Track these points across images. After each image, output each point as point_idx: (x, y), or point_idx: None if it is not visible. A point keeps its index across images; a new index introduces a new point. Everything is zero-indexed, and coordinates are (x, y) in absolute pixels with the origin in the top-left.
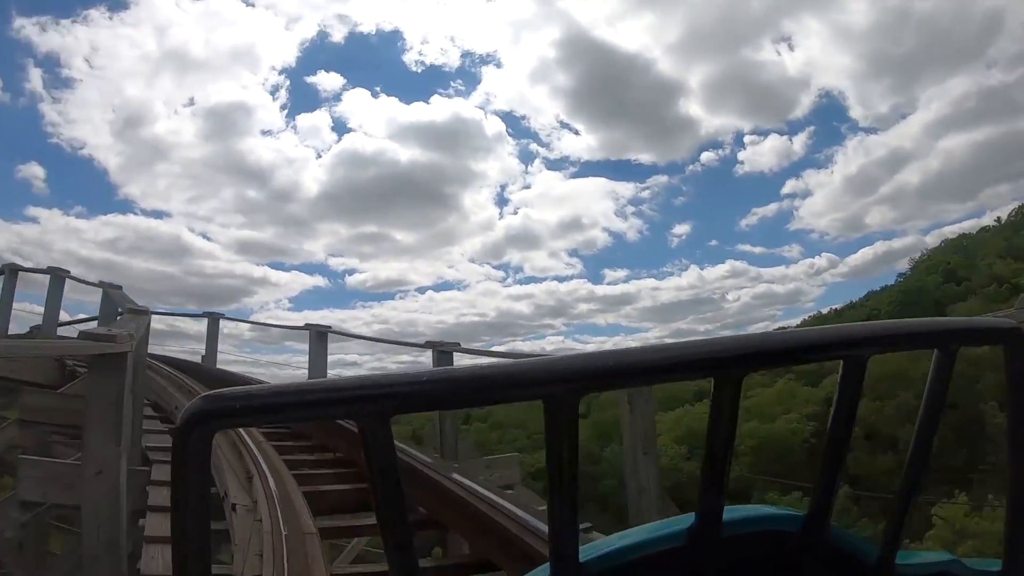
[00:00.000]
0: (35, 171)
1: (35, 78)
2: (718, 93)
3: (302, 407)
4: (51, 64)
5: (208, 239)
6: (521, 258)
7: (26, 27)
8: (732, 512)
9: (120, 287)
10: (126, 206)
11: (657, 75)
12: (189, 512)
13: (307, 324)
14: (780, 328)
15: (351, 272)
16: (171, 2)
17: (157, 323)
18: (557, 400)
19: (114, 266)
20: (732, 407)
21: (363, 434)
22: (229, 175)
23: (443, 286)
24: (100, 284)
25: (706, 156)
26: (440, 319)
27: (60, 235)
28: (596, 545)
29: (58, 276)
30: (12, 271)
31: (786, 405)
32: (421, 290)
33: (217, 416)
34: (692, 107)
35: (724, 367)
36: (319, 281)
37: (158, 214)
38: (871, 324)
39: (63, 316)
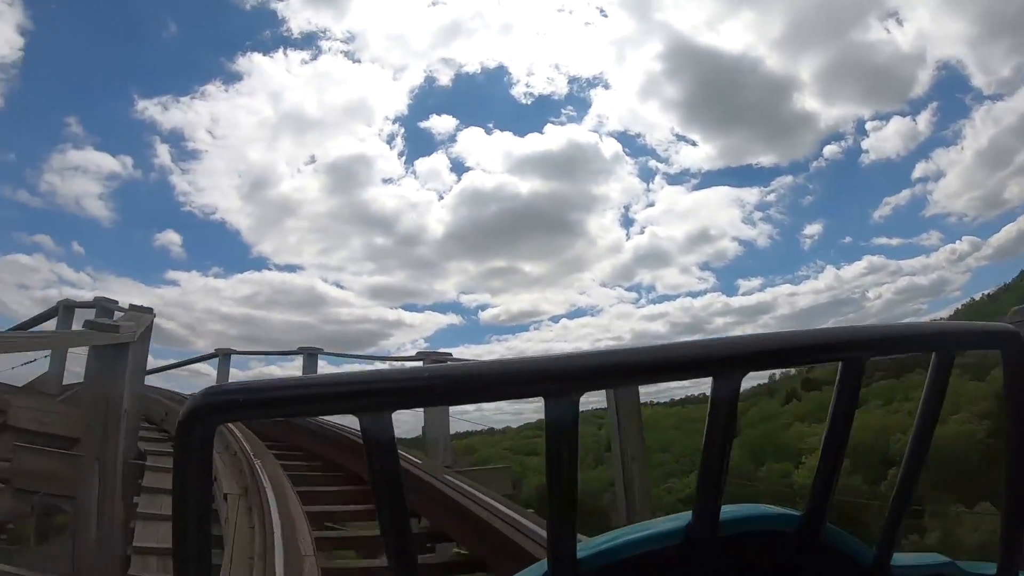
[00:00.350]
0: (172, 238)
1: (163, 153)
2: (832, 82)
3: (304, 401)
4: (176, 139)
5: (341, 287)
6: (652, 277)
7: (149, 108)
8: (729, 511)
9: (151, 309)
10: (260, 263)
11: (766, 73)
12: (191, 503)
13: (300, 348)
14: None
15: (483, 307)
16: (282, 69)
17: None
18: (557, 398)
19: (253, 320)
20: (730, 407)
21: (364, 429)
22: (356, 225)
23: (576, 313)
24: (131, 307)
25: (829, 150)
26: (576, 346)
27: (200, 295)
28: (593, 543)
29: (104, 308)
30: (67, 308)
31: (952, 403)
32: (555, 319)
33: (220, 410)
34: (807, 101)
35: (723, 367)
36: (453, 319)
37: (291, 268)
38: (869, 326)
39: None
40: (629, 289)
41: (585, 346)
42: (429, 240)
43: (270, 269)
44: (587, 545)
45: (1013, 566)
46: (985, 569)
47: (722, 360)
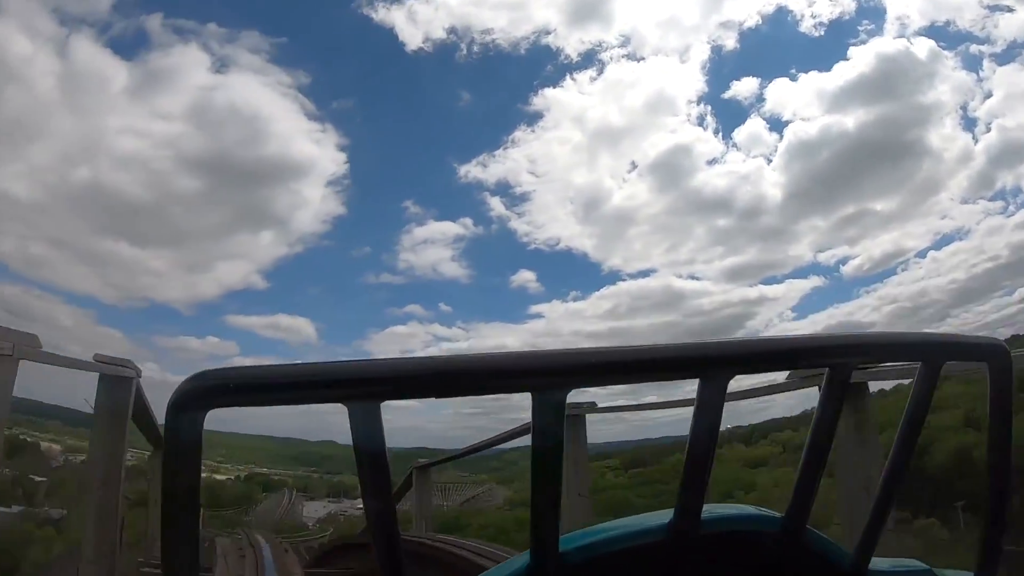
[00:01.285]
0: (526, 276)
1: (496, 205)
2: None
3: (295, 388)
4: (503, 188)
5: (696, 279)
6: (1015, 177)
7: (470, 170)
8: (712, 510)
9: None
10: (613, 277)
11: None
12: (180, 486)
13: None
14: None
15: (844, 261)
16: (575, 93)
17: None
18: (544, 393)
19: (619, 332)
20: (715, 408)
21: (353, 419)
22: (694, 214)
23: (942, 241)
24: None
25: None
26: (951, 279)
27: (565, 320)
28: (576, 536)
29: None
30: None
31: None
32: (921, 254)
33: (211, 394)
34: None
35: (709, 368)
36: (815, 282)
37: (644, 273)
38: (858, 334)
39: None
40: (993, 199)
41: (961, 276)
42: (770, 207)
43: (624, 280)
44: (570, 538)
45: (990, 573)
46: None
47: (708, 361)
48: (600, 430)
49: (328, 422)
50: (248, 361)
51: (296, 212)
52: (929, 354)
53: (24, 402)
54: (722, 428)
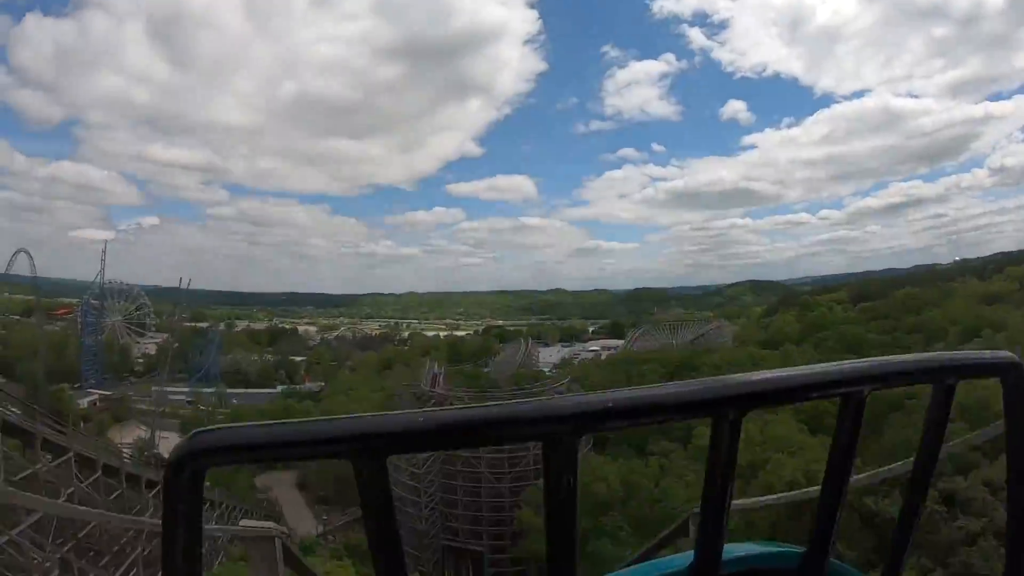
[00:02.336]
0: (736, 107)
1: (696, 36)
2: None
3: (297, 446)
4: (700, 19)
5: (914, 96)
6: None
7: (664, 3)
8: (732, 549)
9: None
10: (826, 100)
11: None
12: (179, 551)
13: None
14: None
15: None
16: None
17: None
18: (555, 441)
19: (836, 157)
20: (731, 447)
21: (358, 475)
22: (907, 24)
23: None
24: None
25: None
26: None
27: (779, 149)
28: None
29: None
30: None
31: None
32: None
33: (210, 453)
34: None
35: (721, 407)
36: None
37: (858, 94)
38: (868, 361)
39: None
40: None
41: None
42: (989, 12)
43: (837, 103)
44: None
45: None
46: None
47: (720, 401)
48: (821, 262)
49: (555, 271)
50: (475, 224)
51: (497, 76)
52: (941, 375)
53: (283, 296)
54: (953, 258)
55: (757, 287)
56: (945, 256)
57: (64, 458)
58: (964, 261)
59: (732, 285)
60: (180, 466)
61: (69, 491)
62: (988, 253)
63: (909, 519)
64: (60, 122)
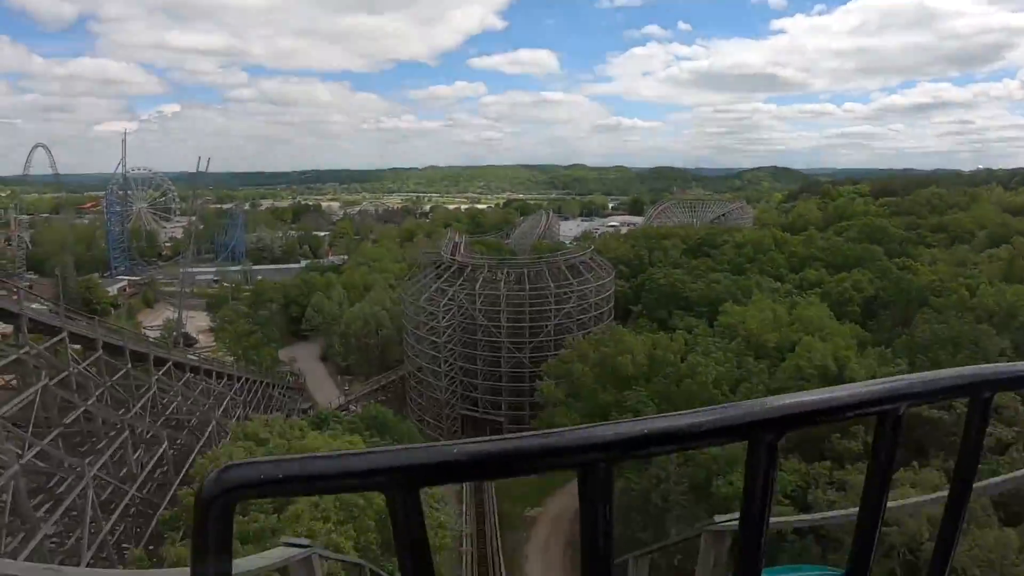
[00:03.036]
0: None
1: None
2: None
3: (329, 479)
4: None
5: None
6: None
7: None
8: (772, 572)
9: None
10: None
11: None
12: None
13: None
14: None
15: None
16: None
17: None
18: (591, 470)
19: (868, 49)
20: (768, 470)
21: (391, 506)
22: None
23: None
24: None
25: None
26: None
27: (809, 36)
28: None
29: None
30: None
31: None
32: None
33: (240, 488)
34: None
35: (757, 431)
36: None
37: None
38: (903, 379)
39: None
40: None
41: None
42: None
43: None
44: None
45: None
46: None
47: (756, 424)
48: (842, 155)
49: (576, 146)
50: (496, 98)
51: None
52: (976, 389)
53: (306, 173)
54: (976, 166)
55: (777, 173)
56: (968, 163)
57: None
58: (988, 171)
59: (752, 170)
60: (211, 501)
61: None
62: (1014, 166)
63: (946, 550)
64: (75, 20)
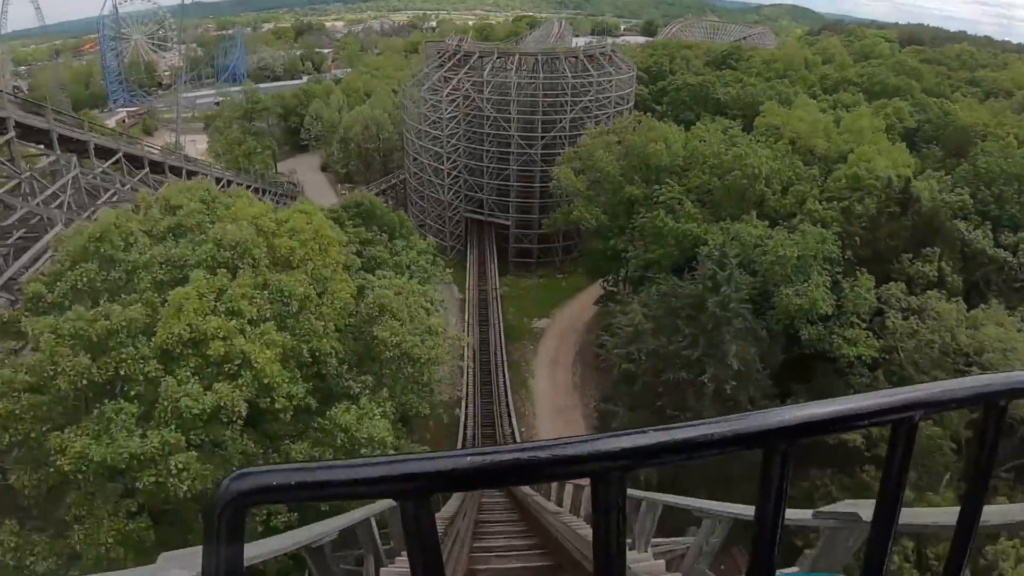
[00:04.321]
0: None
1: None
2: None
3: (340, 485)
4: None
5: None
6: None
7: None
8: None
9: None
10: None
11: None
12: None
13: None
14: None
15: None
16: None
17: None
18: (605, 478)
19: None
20: (781, 478)
21: (404, 512)
22: None
23: None
24: None
25: None
26: None
27: None
28: None
29: None
30: None
31: None
32: None
33: (253, 494)
34: None
35: (771, 440)
36: None
37: None
38: (918, 388)
39: None
40: None
41: None
42: None
43: None
44: None
45: None
46: None
47: (769, 433)
48: (864, 6)
49: None
50: None
51: None
52: (992, 398)
53: None
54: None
55: (796, 12)
56: (996, 34)
57: None
58: (1020, 45)
59: (771, 6)
60: (223, 507)
61: None
62: None
63: (961, 550)
64: None
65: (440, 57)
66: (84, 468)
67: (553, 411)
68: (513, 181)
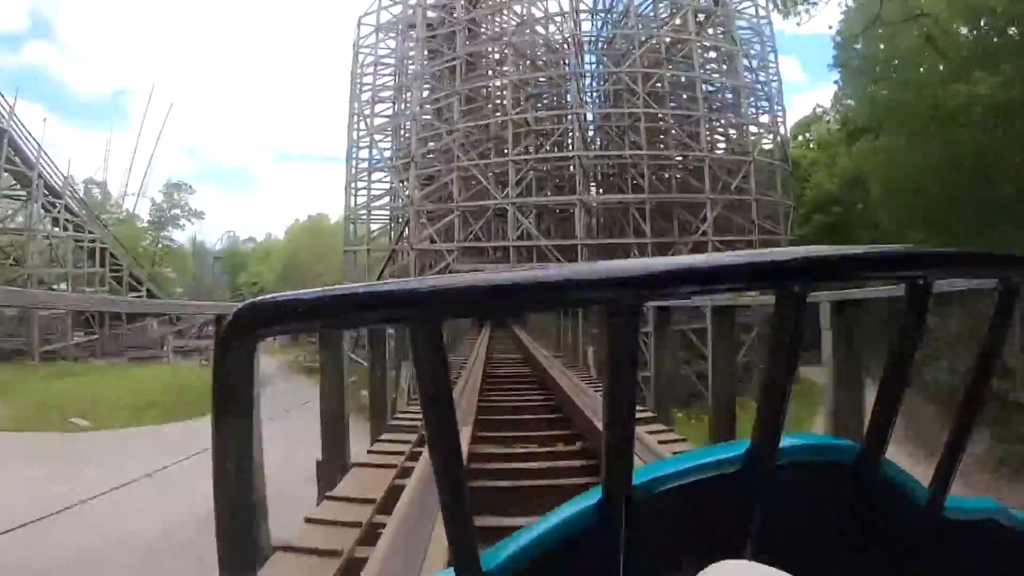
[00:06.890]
0: None
1: None
2: None
3: (352, 310)
4: None
5: None
6: None
7: None
8: (788, 440)
9: None
10: None
11: None
12: (232, 422)
13: None
14: None
15: None
16: None
17: None
18: (619, 306)
19: None
20: (795, 325)
21: (413, 339)
22: None
23: None
24: None
25: None
26: None
27: None
28: (648, 468)
29: None
30: None
31: None
32: None
33: (264, 322)
34: None
35: (786, 279)
36: None
37: None
38: (937, 249)
39: None
40: None
41: None
42: None
43: None
44: (641, 471)
45: None
46: None
47: (786, 271)
48: None
49: None
50: None
51: None
52: (1008, 270)
53: None
54: None
55: None
56: None
57: None
58: None
59: None
60: (232, 336)
61: None
62: None
63: (963, 430)
64: None
65: None
66: None
67: None
68: None
